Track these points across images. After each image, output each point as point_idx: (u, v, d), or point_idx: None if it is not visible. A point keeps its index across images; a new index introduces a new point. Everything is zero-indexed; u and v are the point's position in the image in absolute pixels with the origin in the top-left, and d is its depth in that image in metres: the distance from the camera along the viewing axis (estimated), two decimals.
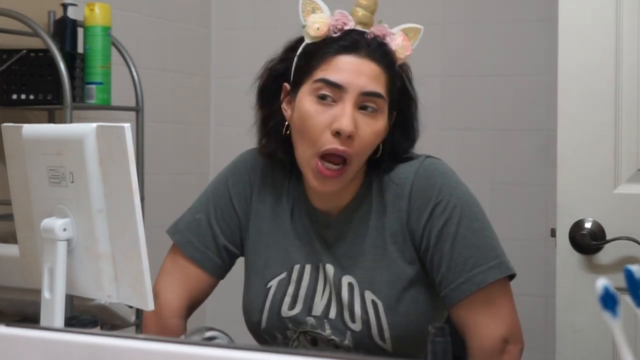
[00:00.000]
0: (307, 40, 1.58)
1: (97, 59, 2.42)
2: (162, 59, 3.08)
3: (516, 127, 2.92)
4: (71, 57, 2.39)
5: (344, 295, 1.58)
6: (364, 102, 1.52)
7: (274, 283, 1.64)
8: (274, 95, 1.61)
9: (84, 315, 1.39)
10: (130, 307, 2.19)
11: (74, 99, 2.32)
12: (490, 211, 2.91)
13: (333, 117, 1.51)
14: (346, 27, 1.55)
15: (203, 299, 1.72)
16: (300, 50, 1.59)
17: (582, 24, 2.09)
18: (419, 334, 1.58)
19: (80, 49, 2.45)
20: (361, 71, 1.52)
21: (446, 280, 1.54)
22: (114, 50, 2.49)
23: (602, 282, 0.80)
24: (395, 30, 1.59)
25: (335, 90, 1.52)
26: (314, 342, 1.61)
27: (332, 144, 1.51)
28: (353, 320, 1.57)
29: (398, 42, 1.57)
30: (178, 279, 1.67)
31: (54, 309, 1.32)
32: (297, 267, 1.63)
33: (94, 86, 2.42)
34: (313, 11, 1.58)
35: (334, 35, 1.55)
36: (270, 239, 1.66)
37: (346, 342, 1.57)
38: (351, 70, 1.52)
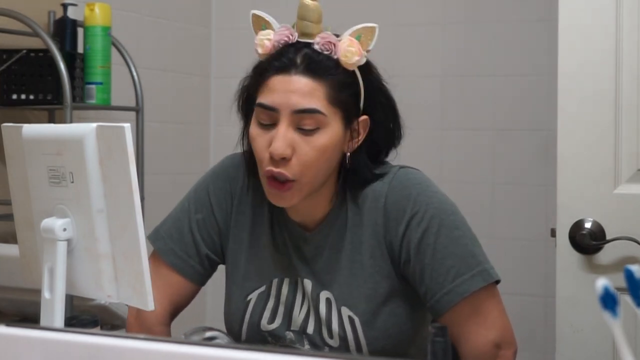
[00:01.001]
0: (258, 57, 1.58)
1: (97, 59, 2.42)
2: (162, 59, 3.08)
3: (516, 127, 2.92)
4: (71, 57, 2.39)
5: (321, 311, 1.58)
6: (300, 121, 1.50)
7: (253, 296, 1.63)
8: (249, 112, 1.59)
9: (84, 315, 1.40)
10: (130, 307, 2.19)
11: (74, 99, 2.32)
12: (490, 211, 2.94)
13: (271, 139, 1.51)
14: (290, 41, 1.54)
15: (185, 305, 1.71)
16: (251, 69, 1.59)
17: (582, 24, 2.09)
18: (397, 348, 1.57)
19: (80, 49, 2.45)
20: (292, 90, 1.50)
21: (430, 292, 1.53)
22: (114, 50, 2.49)
23: (602, 282, 0.80)
24: (345, 34, 1.54)
25: (270, 113, 1.51)
26: None
27: (269, 166, 1.51)
28: (331, 336, 1.57)
29: (344, 48, 1.51)
30: (160, 288, 1.64)
31: (54, 309, 1.32)
32: (275, 280, 1.62)
33: (94, 86, 2.42)
34: (263, 27, 1.57)
35: (276, 51, 1.54)
36: (250, 251, 1.65)
37: None
38: (282, 90, 1.50)
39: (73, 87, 2.34)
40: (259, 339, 1.62)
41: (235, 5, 3.30)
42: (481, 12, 2.97)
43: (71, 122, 2.27)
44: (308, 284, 1.59)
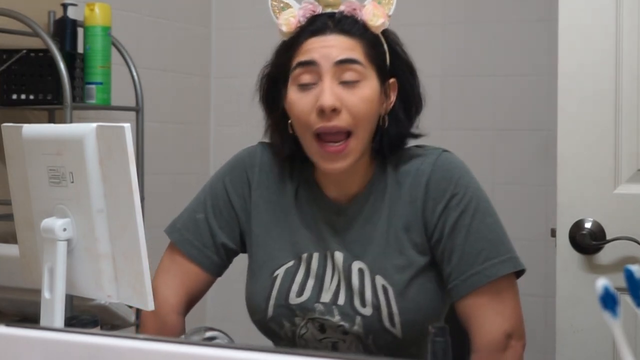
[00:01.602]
0: (282, 38, 1.62)
1: (97, 59, 2.42)
2: (162, 59, 3.08)
3: (516, 127, 2.92)
4: (71, 57, 2.39)
5: (354, 281, 1.59)
6: (342, 74, 1.54)
7: (280, 272, 1.63)
8: (276, 99, 1.63)
9: (84, 315, 1.39)
10: (130, 307, 2.19)
11: (74, 99, 2.32)
12: None
13: (315, 97, 1.53)
14: (315, 13, 1.59)
15: (200, 296, 1.72)
16: (277, 48, 1.63)
17: (582, 24, 2.09)
18: (428, 320, 1.58)
19: (80, 49, 2.45)
20: (330, 45, 1.54)
21: (457, 272, 1.55)
22: (114, 50, 2.49)
23: (602, 282, 0.80)
24: (367, 1, 1.60)
25: (311, 70, 1.54)
26: (322, 329, 1.60)
27: (320, 123, 1.53)
28: (363, 305, 1.58)
29: (369, 12, 1.58)
30: (176, 277, 1.67)
31: (54, 309, 1.32)
32: (304, 255, 1.63)
33: (94, 86, 2.42)
34: (283, 9, 1.62)
35: (304, 23, 1.59)
36: (275, 231, 1.66)
37: (355, 327, 1.57)
38: (321, 47, 1.54)
39: (73, 87, 2.34)
40: (286, 314, 1.62)
41: (235, 5, 3.30)
42: (481, 12, 2.97)
43: (71, 122, 2.27)
44: (339, 256, 1.61)
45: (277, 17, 1.61)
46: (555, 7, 2.12)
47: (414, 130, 1.65)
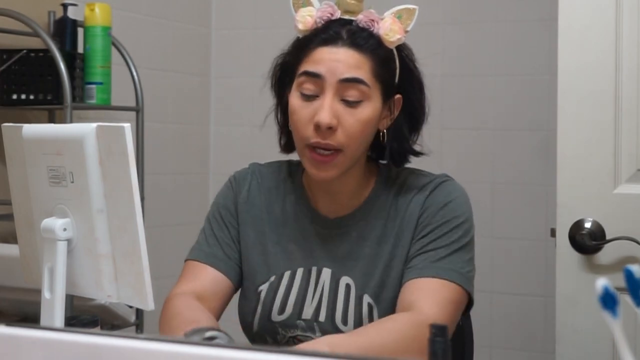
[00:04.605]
0: (297, 35, 1.60)
1: (97, 59, 2.42)
2: (162, 59, 3.08)
3: (516, 127, 2.92)
4: (71, 57, 2.39)
5: (339, 296, 1.58)
6: (345, 92, 1.52)
7: (264, 287, 1.63)
8: (285, 89, 1.62)
9: (84, 315, 1.39)
10: (130, 307, 2.19)
11: (74, 99, 2.33)
12: (490, 211, 2.94)
13: (315, 110, 1.52)
14: (333, 18, 1.56)
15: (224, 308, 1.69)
16: (290, 45, 1.62)
17: (582, 24, 2.09)
18: None
19: (80, 49, 2.45)
20: (339, 60, 1.52)
21: (413, 261, 1.55)
22: (114, 50, 2.49)
23: (602, 282, 0.80)
24: (386, 14, 1.58)
25: (316, 82, 1.53)
26: None
27: (315, 137, 1.52)
28: (345, 322, 1.57)
29: (386, 26, 1.55)
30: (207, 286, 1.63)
31: (54, 309, 1.32)
32: (287, 272, 1.62)
33: (94, 86, 2.42)
34: (304, 5, 1.60)
35: (319, 26, 1.56)
36: (259, 248, 1.65)
37: None
38: (329, 60, 1.52)
39: (73, 87, 2.34)
40: (270, 330, 1.62)
41: (235, 5, 3.29)
42: (481, 12, 2.97)
43: (71, 122, 2.27)
44: (327, 272, 1.60)
45: (295, 12, 1.60)
46: (555, 7, 2.12)
47: (415, 147, 1.65)
